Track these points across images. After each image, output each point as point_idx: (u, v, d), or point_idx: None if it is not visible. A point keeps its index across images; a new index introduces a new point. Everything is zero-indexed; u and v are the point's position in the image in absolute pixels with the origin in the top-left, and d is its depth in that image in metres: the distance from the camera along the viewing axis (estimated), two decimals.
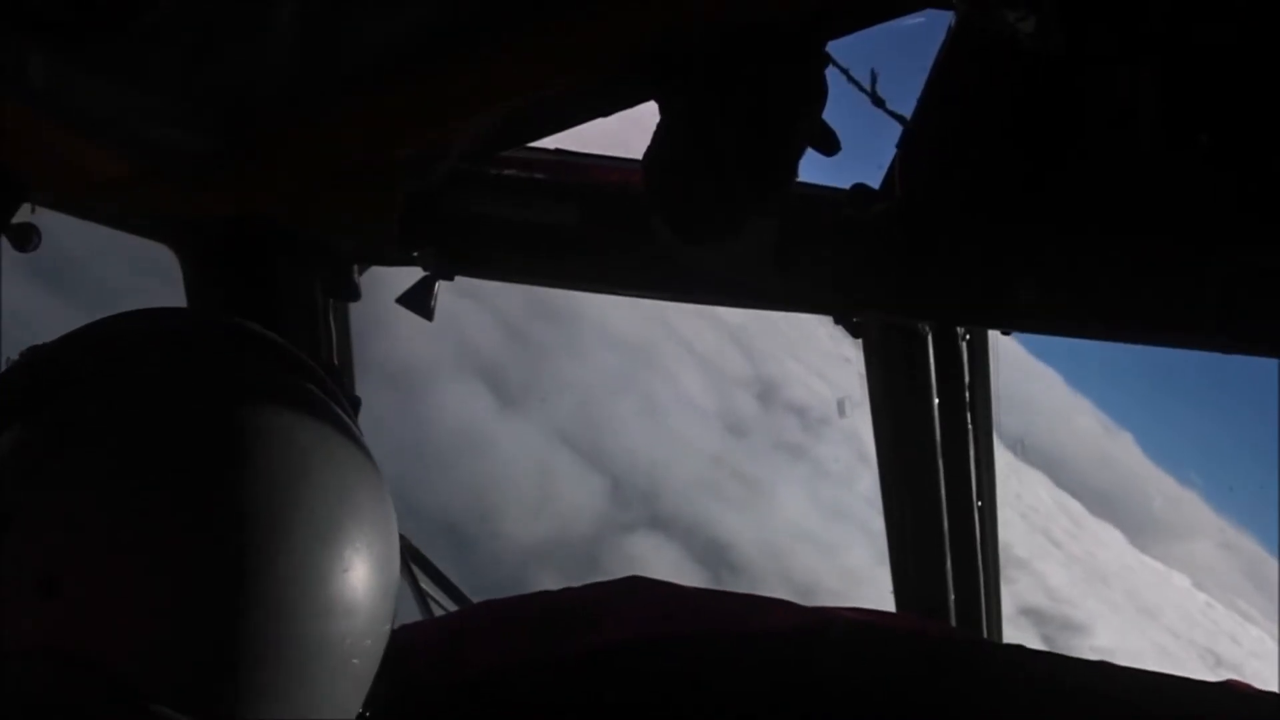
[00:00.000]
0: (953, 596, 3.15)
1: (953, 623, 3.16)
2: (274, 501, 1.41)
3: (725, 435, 19.18)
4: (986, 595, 3.18)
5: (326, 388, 1.66)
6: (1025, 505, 23.39)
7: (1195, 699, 2.06)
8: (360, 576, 1.47)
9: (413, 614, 3.59)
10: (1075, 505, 26.06)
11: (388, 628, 1.54)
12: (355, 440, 1.58)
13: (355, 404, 2.64)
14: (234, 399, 1.47)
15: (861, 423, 3.17)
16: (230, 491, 1.39)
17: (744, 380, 21.31)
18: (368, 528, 1.51)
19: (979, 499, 3.07)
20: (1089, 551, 24.34)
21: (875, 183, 2.50)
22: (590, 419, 16.02)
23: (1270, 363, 2.41)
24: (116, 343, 1.51)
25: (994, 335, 2.85)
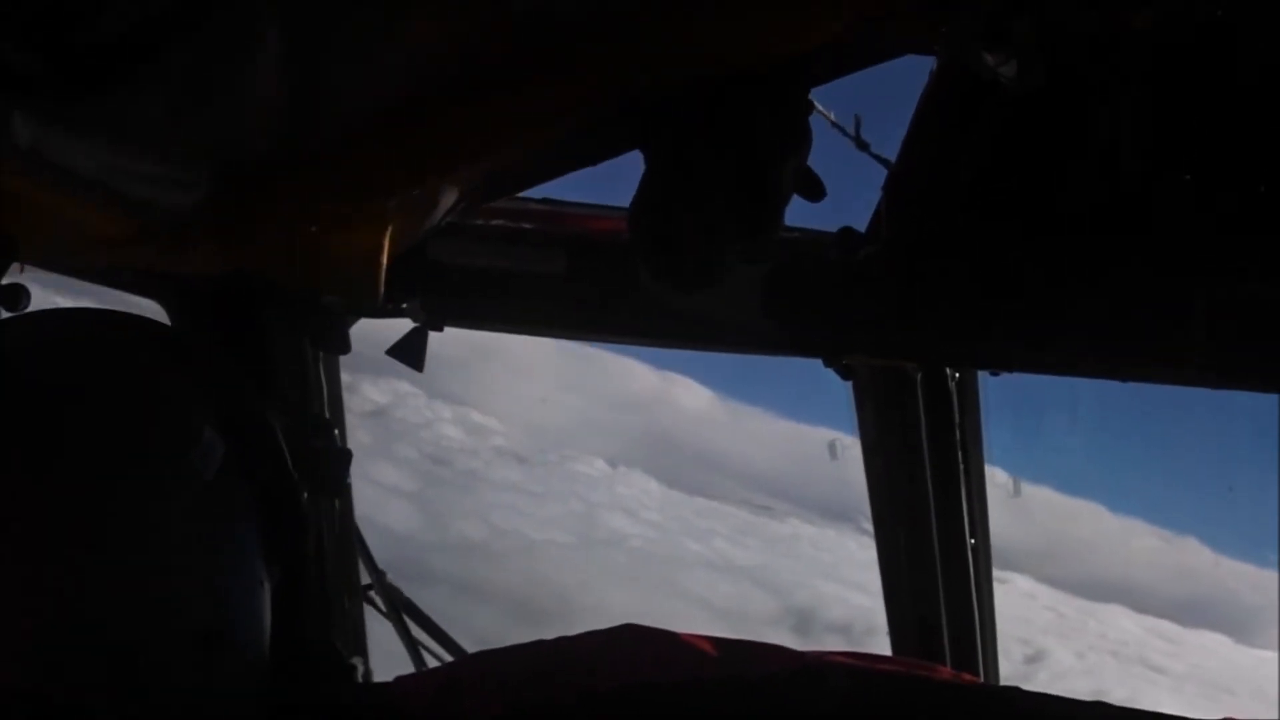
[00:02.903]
0: (948, 638, 3.13)
1: (948, 665, 3.15)
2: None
3: None
4: (982, 636, 3.17)
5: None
6: (1112, 641, 22.19)
7: None
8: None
9: (406, 666, 3.57)
10: (1164, 625, 24.35)
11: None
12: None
13: (345, 458, 2.64)
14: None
15: None
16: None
17: (774, 617, 20.23)
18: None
19: (972, 537, 3.07)
20: (1196, 665, 22.74)
21: (861, 226, 2.52)
22: None
23: None
24: None
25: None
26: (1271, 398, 2.45)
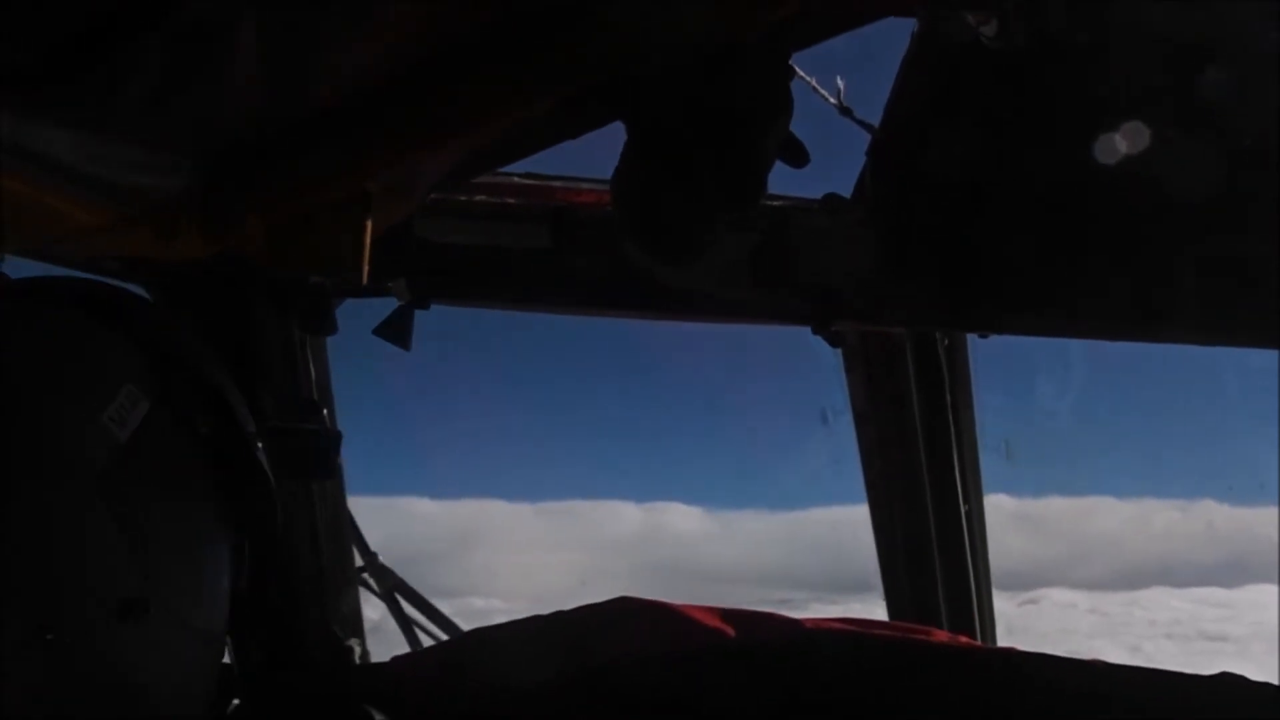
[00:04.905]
0: (944, 601, 3.14)
1: (945, 628, 3.16)
2: None
3: None
4: (978, 598, 3.18)
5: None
6: (1163, 624, 21.80)
7: (1192, 692, 2.06)
8: None
9: (401, 645, 3.57)
10: (1211, 592, 23.90)
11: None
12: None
13: (336, 440, 2.63)
14: None
15: None
16: None
17: None
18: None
19: (965, 502, 3.07)
20: (1256, 623, 21.97)
21: (846, 191, 2.51)
22: None
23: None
24: None
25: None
26: None
